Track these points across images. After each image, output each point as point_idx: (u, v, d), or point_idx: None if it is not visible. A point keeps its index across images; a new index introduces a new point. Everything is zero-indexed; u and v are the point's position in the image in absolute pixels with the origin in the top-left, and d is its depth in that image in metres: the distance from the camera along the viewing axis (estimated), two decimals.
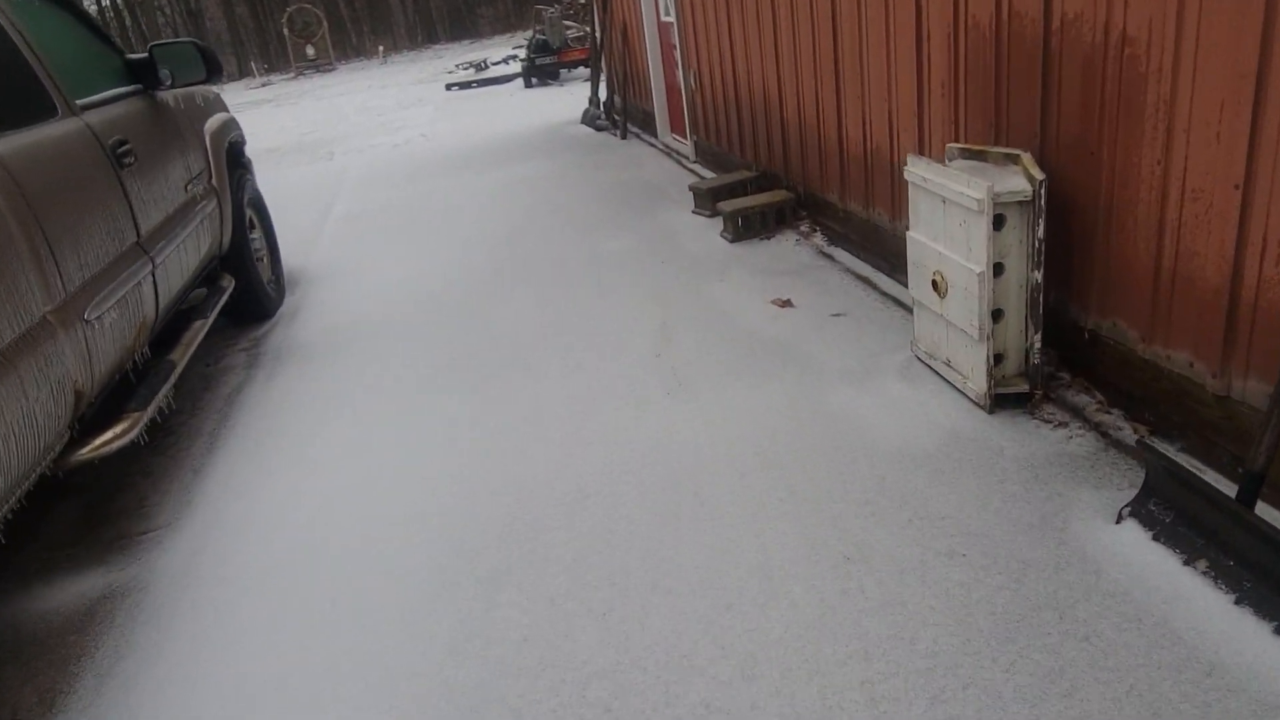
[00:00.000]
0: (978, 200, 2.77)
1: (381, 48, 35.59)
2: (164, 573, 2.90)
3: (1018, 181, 2.83)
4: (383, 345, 4.59)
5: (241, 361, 4.78)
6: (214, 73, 4.10)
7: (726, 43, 6.26)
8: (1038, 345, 2.98)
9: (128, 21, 53.03)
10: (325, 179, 9.70)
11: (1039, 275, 2.87)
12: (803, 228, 5.38)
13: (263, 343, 4.99)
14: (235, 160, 5.38)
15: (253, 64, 43.57)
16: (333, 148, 12.06)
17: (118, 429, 2.87)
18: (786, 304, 4.34)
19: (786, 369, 3.64)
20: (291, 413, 4.00)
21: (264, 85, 31.42)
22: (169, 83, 4.07)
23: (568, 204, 6.93)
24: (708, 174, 7.18)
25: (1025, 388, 3.02)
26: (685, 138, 7.97)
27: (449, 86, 16.87)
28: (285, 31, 35.22)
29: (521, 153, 9.45)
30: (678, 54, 7.59)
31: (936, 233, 3.14)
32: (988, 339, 2.93)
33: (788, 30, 5.11)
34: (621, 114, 9.42)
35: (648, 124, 9.25)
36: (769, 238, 5.38)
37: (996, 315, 2.95)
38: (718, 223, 5.74)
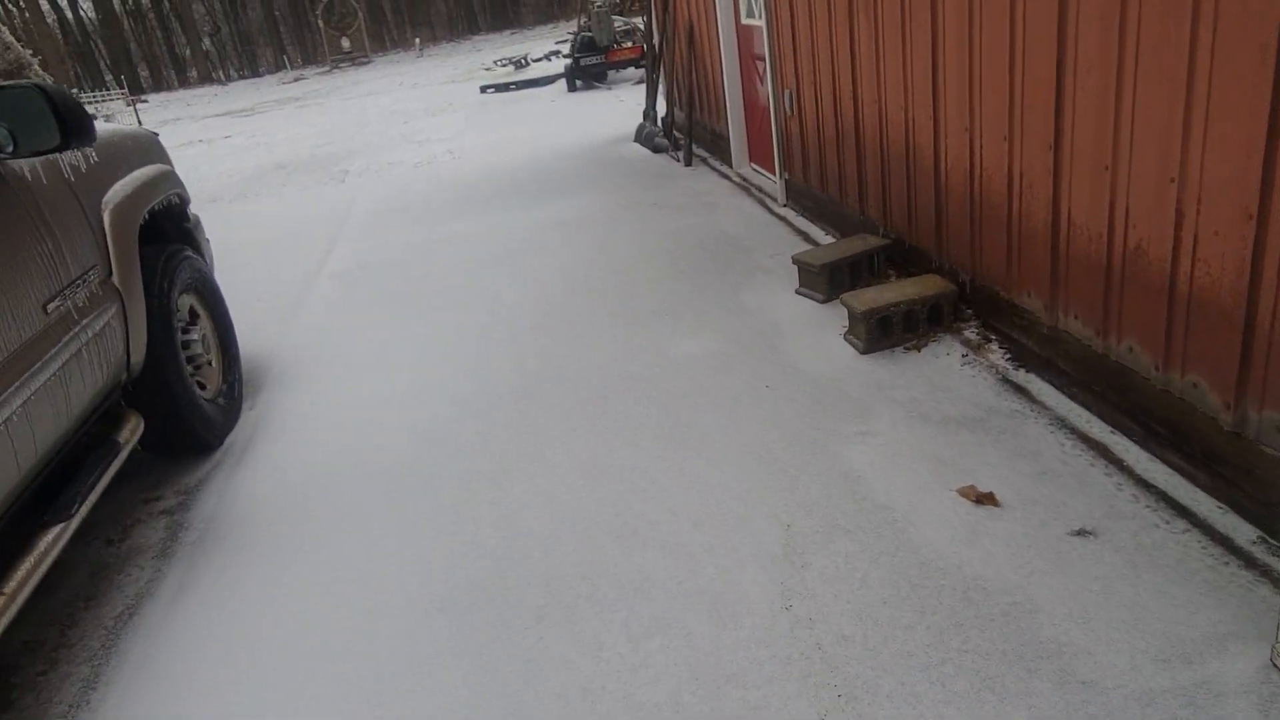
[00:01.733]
0: None
1: (418, 40, 34.26)
2: None
3: None
4: (360, 534, 3.04)
5: (157, 537, 3.27)
6: (72, 136, 2.55)
7: (844, 57, 4.61)
8: None
9: (166, 7, 52.32)
10: (329, 211, 8.20)
11: None
12: (969, 334, 3.73)
13: (194, 499, 3.48)
14: (168, 233, 3.87)
15: (286, 56, 42.60)
16: (348, 165, 10.58)
17: None
18: (986, 499, 2.71)
19: (1036, 680, 2.02)
20: (201, 671, 2.48)
21: (296, 80, 30.26)
22: (9, 149, 2.55)
23: (621, 266, 5.34)
24: (807, 226, 5.53)
25: None
26: (773, 173, 6.33)
27: (484, 89, 15.33)
28: (320, 24, 34.08)
29: (562, 181, 7.87)
30: (765, 67, 5.95)
31: None
32: None
33: (956, 42, 3.45)
34: (685, 134, 7.79)
35: (718, 148, 7.61)
36: (919, 347, 3.74)
37: None
38: (836, 314, 4.11)
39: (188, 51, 50.59)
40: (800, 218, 5.77)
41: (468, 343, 4.57)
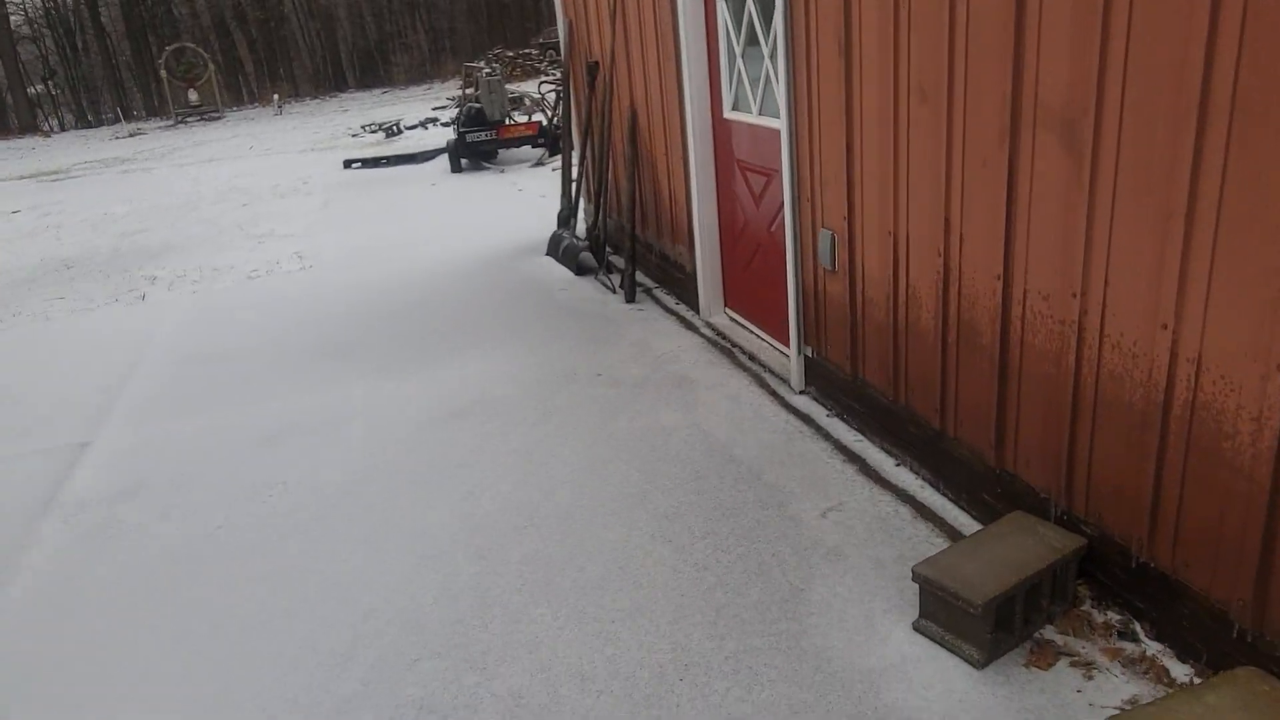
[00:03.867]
0: None
1: (276, 95, 31.21)
2: None
3: None
4: None
5: None
6: None
7: (955, 192, 2.65)
8: None
9: None
10: (108, 357, 5.61)
11: None
12: None
13: None
14: None
15: (121, 109, 38.63)
16: (157, 269, 7.94)
17: None
18: None
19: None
20: None
21: (132, 135, 26.72)
22: None
23: (572, 530, 3.15)
24: (853, 438, 3.47)
25: None
26: (778, 339, 4.32)
27: (349, 163, 12.86)
28: (163, 73, 30.57)
29: (457, 320, 5.61)
30: (783, 191, 3.96)
31: None
32: None
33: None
34: (627, 258, 5.71)
35: (671, 278, 5.56)
36: None
37: None
38: (1009, 690, 2.05)
39: (9, 97, 45.39)
40: (834, 418, 3.75)
41: None
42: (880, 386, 3.42)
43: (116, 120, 38.69)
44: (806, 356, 3.97)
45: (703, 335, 4.91)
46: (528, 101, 14.03)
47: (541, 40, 30.69)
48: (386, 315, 5.82)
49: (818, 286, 3.74)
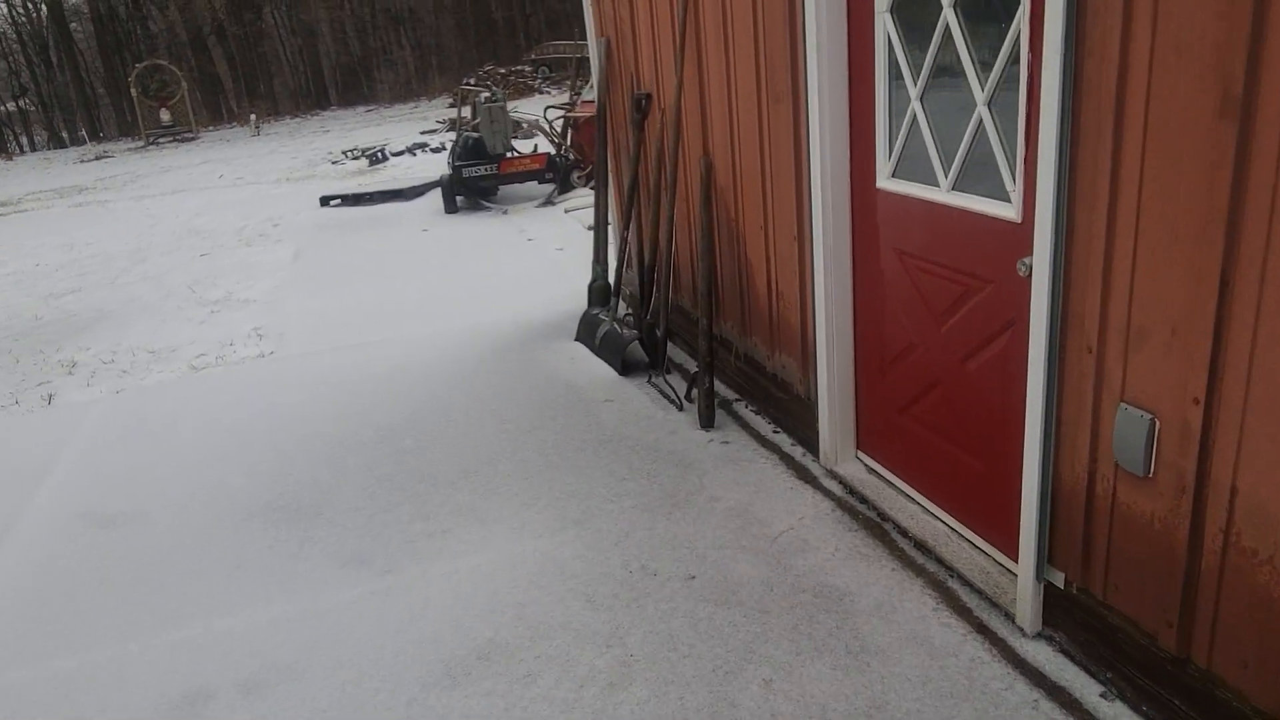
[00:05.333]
0: None
1: (254, 115, 29.63)
2: None
3: None
4: None
5: None
6: None
7: None
8: None
9: None
10: None
11: None
12: None
13: None
14: None
15: (84, 131, 36.94)
16: (81, 350, 6.33)
17: None
18: None
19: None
20: None
21: (98, 159, 25.09)
22: None
23: None
24: None
25: None
26: (998, 544, 2.77)
27: (326, 200, 11.28)
28: (134, 92, 28.89)
29: (459, 461, 4.03)
30: (1032, 324, 2.45)
31: None
32: None
33: None
34: (704, 367, 4.14)
35: (763, 390, 4.01)
36: None
37: None
38: None
39: None
40: (1116, 702, 2.23)
41: None
42: (1252, 693, 1.90)
43: (89, 141, 36.98)
44: (1052, 584, 2.45)
45: (829, 494, 3.38)
46: (525, 125, 12.52)
47: (535, 57, 29.25)
48: (366, 443, 4.26)
49: (1097, 489, 2.22)
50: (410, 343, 5.61)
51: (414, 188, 11.03)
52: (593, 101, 10.96)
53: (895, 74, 2.80)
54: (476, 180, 9.60)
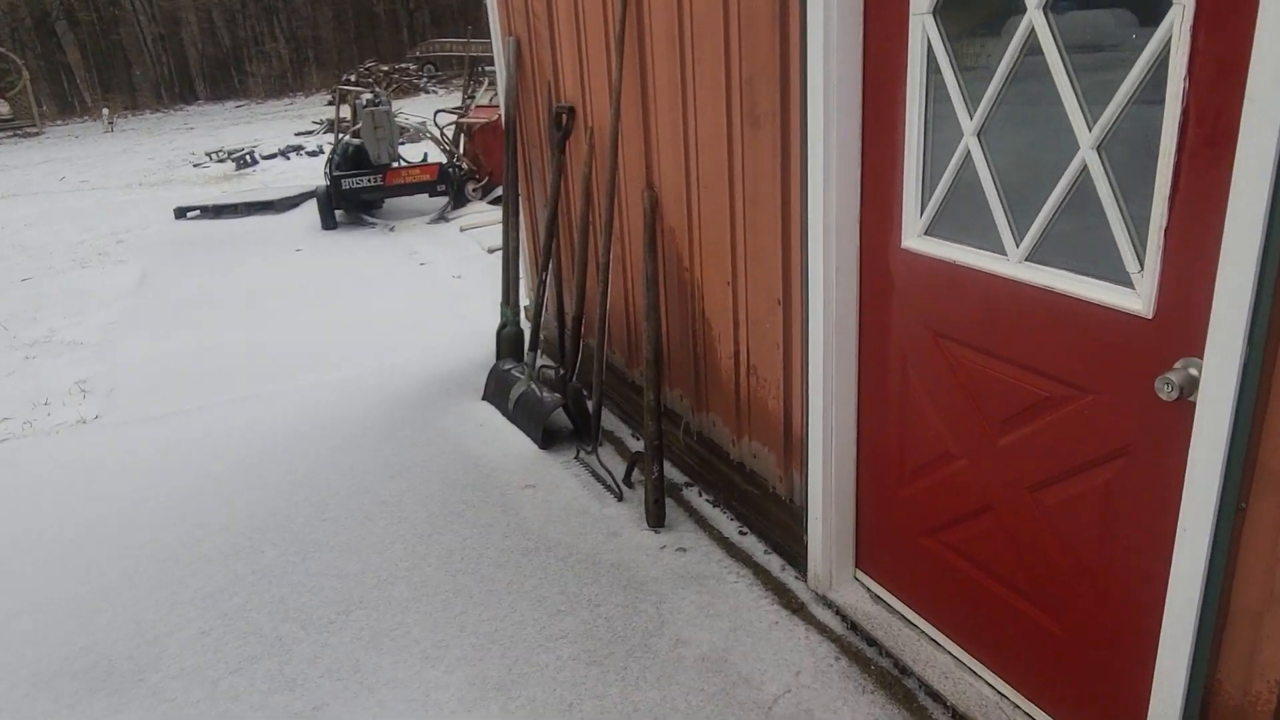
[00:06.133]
0: None
1: (106, 110, 27.09)
2: None
3: None
4: None
5: None
6: None
7: None
8: None
9: None
10: None
11: None
12: None
13: None
14: None
15: None
16: None
17: None
18: None
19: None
20: None
21: None
22: None
23: None
24: None
25: None
26: None
27: (182, 212, 9.90)
28: None
29: (337, 587, 3.09)
30: (1198, 457, 1.72)
31: None
32: None
33: None
34: (652, 450, 3.32)
35: (724, 478, 3.23)
36: None
37: None
38: None
39: None
40: None
41: None
42: None
43: None
44: None
45: (826, 631, 2.63)
46: (411, 129, 11.40)
47: (420, 55, 27.83)
48: (212, 556, 3.27)
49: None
50: (278, 403, 4.59)
51: (287, 199, 9.79)
52: (489, 106, 10.04)
53: (939, 96, 2.07)
54: (358, 193, 8.51)
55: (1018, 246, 1.94)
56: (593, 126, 3.64)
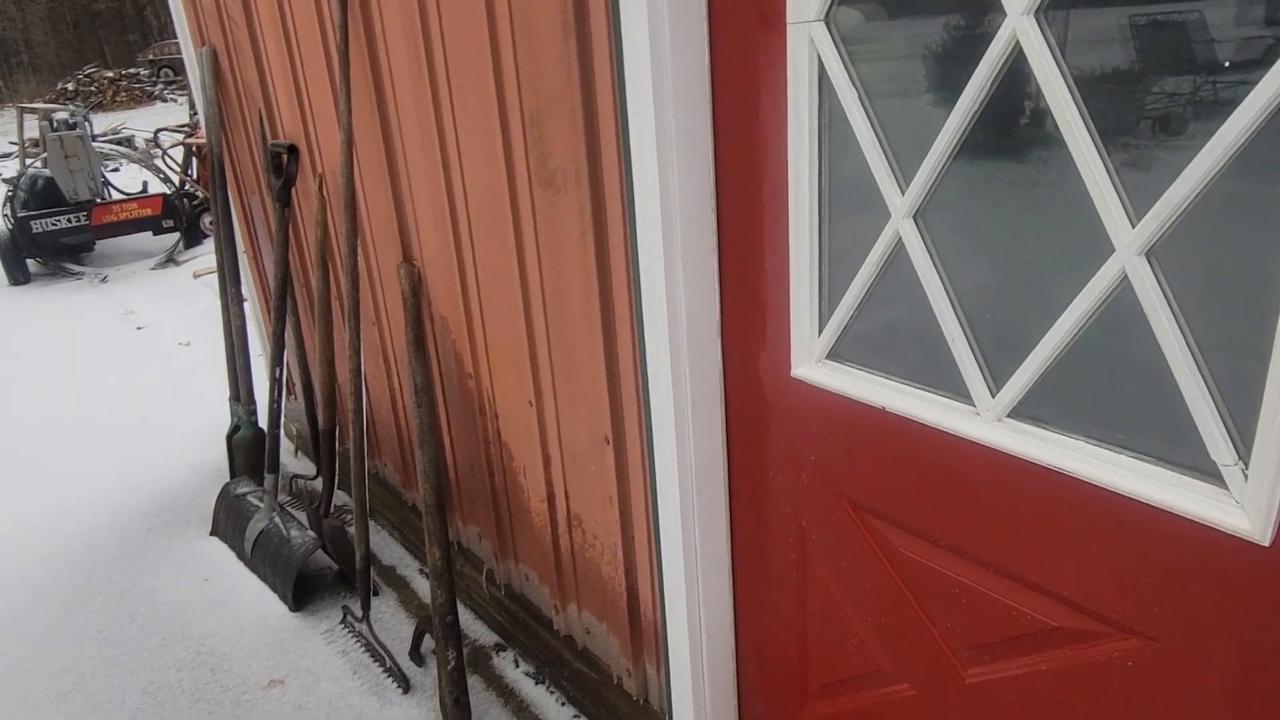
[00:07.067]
0: None
1: None
2: None
3: None
4: None
5: None
6: None
7: None
8: None
9: None
10: None
11: None
12: None
13: None
14: None
15: None
16: None
17: None
18: None
19: None
20: None
21: None
22: None
23: None
24: None
25: None
26: None
27: None
28: None
29: None
30: None
31: None
32: None
33: None
34: (446, 628, 2.38)
35: (532, 635, 2.35)
36: None
37: None
38: None
39: None
40: None
41: None
42: None
43: None
44: None
45: None
46: (121, 151, 9.52)
47: (153, 58, 24.70)
48: None
49: None
50: None
51: None
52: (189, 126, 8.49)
53: (847, 143, 1.30)
54: (55, 236, 6.84)
55: (993, 396, 1.21)
56: (322, 173, 2.65)
